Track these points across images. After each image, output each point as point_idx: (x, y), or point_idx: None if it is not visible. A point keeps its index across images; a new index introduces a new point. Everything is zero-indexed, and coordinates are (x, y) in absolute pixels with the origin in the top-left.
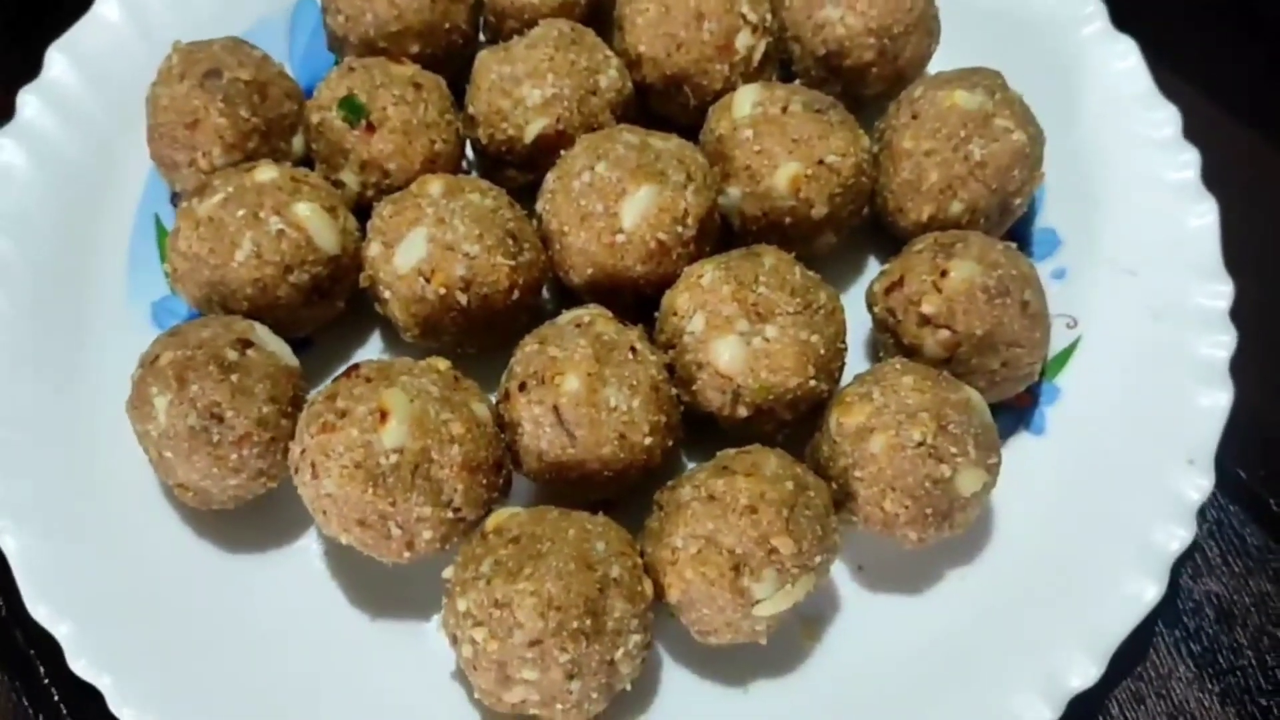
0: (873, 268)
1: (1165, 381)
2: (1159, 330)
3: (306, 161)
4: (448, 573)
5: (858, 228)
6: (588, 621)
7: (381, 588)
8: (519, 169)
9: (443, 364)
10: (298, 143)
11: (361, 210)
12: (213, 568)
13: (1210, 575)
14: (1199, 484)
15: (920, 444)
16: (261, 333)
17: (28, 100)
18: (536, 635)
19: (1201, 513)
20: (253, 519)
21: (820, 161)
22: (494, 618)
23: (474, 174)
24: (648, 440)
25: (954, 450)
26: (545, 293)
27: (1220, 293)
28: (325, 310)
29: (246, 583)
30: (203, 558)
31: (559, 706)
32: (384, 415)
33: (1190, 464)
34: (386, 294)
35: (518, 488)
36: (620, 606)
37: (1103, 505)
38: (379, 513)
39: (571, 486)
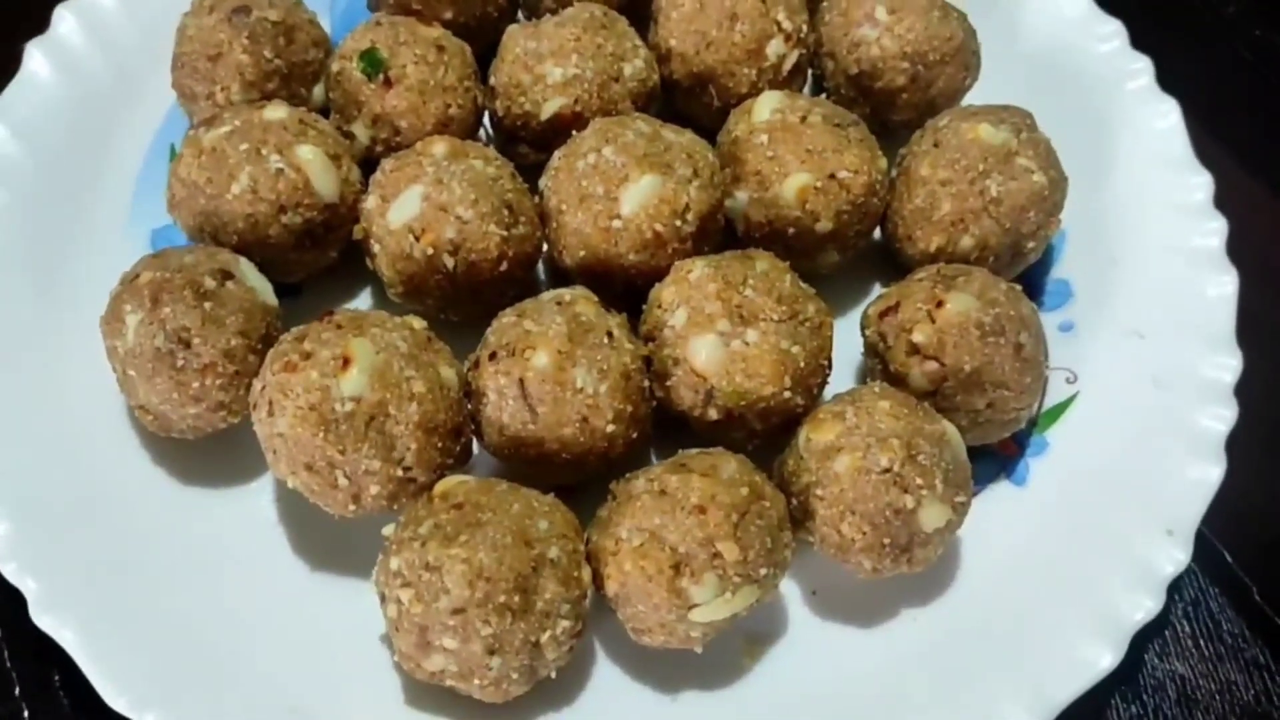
0: (876, 293)
1: (1157, 448)
2: (1159, 396)
3: (326, 114)
4: (388, 530)
5: (867, 252)
6: (516, 598)
7: (327, 541)
8: (532, 146)
9: (418, 323)
10: (318, 92)
11: (369, 165)
12: (163, 495)
13: (1178, 656)
14: (1175, 556)
15: (886, 470)
16: (244, 267)
17: (63, 16)
18: (461, 604)
19: (1178, 591)
20: (212, 453)
21: (831, 175)
22: (422, 580)
23: (491, 147)
24: (610, 428)
25: (920, 482)
26: (541, 274)
27: (1227, 366)
28: (316, 257)
29: (194, 515)
30: (155, 483)
31: (477, 681)
32: (346, 362)
33: (1169, 535)
34: (376, 248)
35: (482, 467)
36: (553, 589)
37: (1071, 565)
38: (327, 459)
39: (531, 465)
